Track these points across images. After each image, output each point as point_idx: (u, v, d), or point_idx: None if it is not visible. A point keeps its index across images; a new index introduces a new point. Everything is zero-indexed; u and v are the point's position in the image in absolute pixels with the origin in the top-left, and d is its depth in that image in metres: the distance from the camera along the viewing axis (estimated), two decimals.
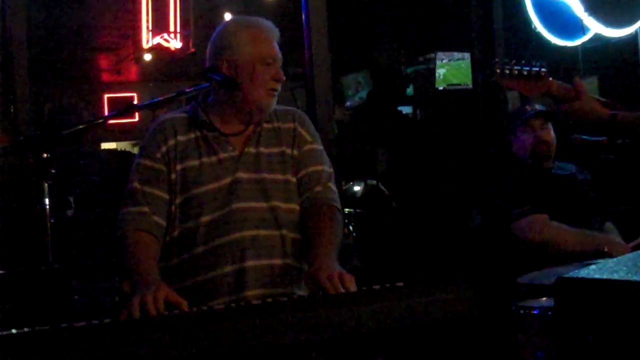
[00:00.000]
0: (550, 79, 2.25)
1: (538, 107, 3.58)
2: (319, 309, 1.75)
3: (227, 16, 7.03)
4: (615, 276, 1.13)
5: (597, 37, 5.06)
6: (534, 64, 2.24)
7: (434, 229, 4.70)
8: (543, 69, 2.23)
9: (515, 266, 3.11)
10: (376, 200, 5.35)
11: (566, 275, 1.17)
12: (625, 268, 1.19)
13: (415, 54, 6.67)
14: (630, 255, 1.41)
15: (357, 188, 5.63)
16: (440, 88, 7.09)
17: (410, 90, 6.52)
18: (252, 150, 2.40)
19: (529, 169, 3.56)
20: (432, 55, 6.74)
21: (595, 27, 4.91)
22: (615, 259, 1.35)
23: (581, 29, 4.92)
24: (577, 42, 5.09)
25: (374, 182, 5.66)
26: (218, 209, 2.31)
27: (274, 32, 2.44)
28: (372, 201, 5.31)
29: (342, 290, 2.02)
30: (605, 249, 3.13)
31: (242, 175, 2.36)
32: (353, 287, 2.05)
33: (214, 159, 2.36)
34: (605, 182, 4.02)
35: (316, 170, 2.45)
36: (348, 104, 8.05)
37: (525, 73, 2.19)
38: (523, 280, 2.89)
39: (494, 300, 3.02)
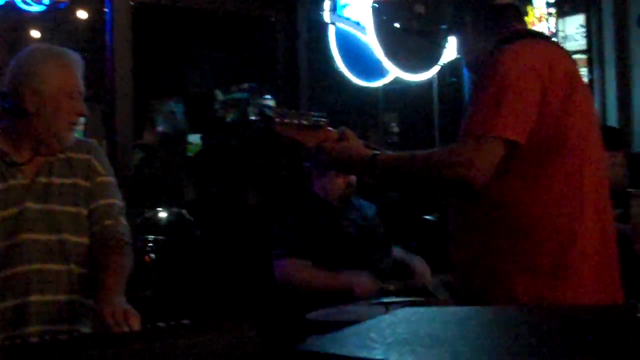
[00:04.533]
0: (330, 128, 2.22)
1: None
2: (96, 348, 1.72)
3: (34, 33, 6.75)
4: (343, 351, 1.13)
5: (398, 80, 5.30)
6: (313, 113, 2.21)
7: (233, 260, 4.72)
8: (322, 119, 2.20)
9: (307, 303, 3.16)
10: (180, 227, 5.31)
11: (300, 348, 1.19)
12: (355, 339, 1.18)
13: (229, 83, 6.71)
14: (367, 323, 1.40)
15: (162, 215, 5.55)
16: (253, 118, 7.15)
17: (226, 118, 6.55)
18: (43, 180, 2.34)
19: (320, 208, 3.62)
20: (246, 85, 6.80)
21: (394, 71, 5.13)
22: (358, 325, 1.36)
23: (381, 71, 5.13)
24: (378, 83, 5.27)
25: (180, 209, 5.60)
26: (4, 239, 2.24)
27: (81, 65, 2.41)
28: (176, 228, 5.26)
29: (126, 328, 2.01)
30: (355, 290, 3.26)
31: (30, 205, 2.29)
32: (137, 325, 2.04)
33: (1, 186, 2.27)
34: (392, 218, 4.21)
35: (107, 204, 2.43)
36: (159, 128, 7.93)
37: (305, 123, 2.16)
38: (313, 317, 2.93)
39: (284, 338, 3.05)
